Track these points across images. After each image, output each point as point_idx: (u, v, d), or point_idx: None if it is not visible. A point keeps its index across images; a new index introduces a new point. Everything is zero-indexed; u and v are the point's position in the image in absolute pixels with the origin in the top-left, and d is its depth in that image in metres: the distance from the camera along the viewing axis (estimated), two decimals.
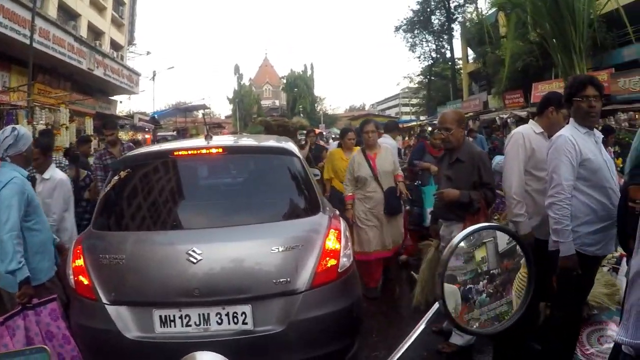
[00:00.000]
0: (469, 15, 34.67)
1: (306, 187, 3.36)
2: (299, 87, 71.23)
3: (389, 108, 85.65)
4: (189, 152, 3.47)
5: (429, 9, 38.40)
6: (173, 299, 2.81)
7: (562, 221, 2.97)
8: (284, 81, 75.68)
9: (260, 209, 3.30)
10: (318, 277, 2.89)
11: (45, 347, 1.89)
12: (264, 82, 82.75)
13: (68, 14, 21.62)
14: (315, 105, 74.30)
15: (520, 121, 20.94)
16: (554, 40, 4.48)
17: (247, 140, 4.57)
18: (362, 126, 5.80)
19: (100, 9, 25.61)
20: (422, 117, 44.87)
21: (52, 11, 18.42)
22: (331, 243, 3.01)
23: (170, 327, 2.79)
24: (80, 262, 2.98)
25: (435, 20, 39.38)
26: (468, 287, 1.25)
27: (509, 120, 21.42)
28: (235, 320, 2.79)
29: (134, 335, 2.78)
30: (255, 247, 2.95)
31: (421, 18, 38.72)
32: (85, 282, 2.91)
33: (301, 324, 2.82)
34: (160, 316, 2.79)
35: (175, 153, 3.50)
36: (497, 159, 10.16)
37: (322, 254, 2.94)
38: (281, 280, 2.84)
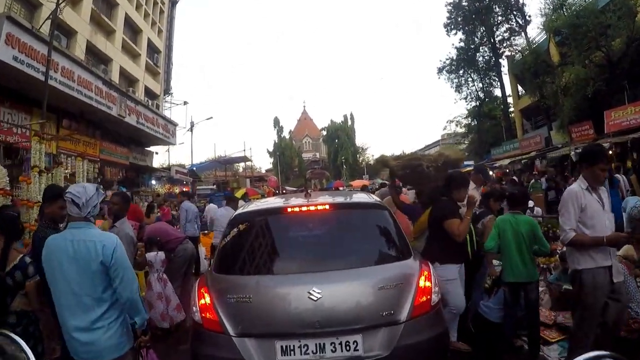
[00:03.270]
0: (518, 48, 32.66)
1: (398, 236, 3.91)
2: (339, 139, 70.46)
3: None
4: (300, 208, 3.96)
5: (473, 46, 36.75)
6: (294, 330, 3.27)
7: None
8: (324, 133, 75.13)
9: (364, 254, 3.80)
10: (416, 310, 3.38)
11: None
12: (304, 135, 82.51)
13: (98, 58, 20.83)
14: (358, 156, 72.88)
15: None
16: None
17: (345, 197, 4.96)
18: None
19: (134, 56, 25.02)
20: (466, 162, 42.39)
21: (79, 53, 17.49)
22: (424, 282, 3.52)
23: (290, 355, 3.21)
24: (206, 300, 3.49)
25: (480, 57, 37.70)
26: None
27: None
28: (348, 347, 3.22)
29: None
30: (364, 285, 3.46)
31: (465, 57, 37.08)
32: (212, 317, 3.41)
33: (404, 349, 3.25)
34: (282, 346, 3.23)
35: (289, 209, 4.03)
36: (632, 201, 7.48)
37: (417, 291, 3.46)
38: (386, 312, 3.33)
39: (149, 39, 26.95)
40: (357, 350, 3.19)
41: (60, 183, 8.66)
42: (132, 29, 25.28)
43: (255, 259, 3.79)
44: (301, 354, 3.18)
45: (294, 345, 3.20)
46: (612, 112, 19.80)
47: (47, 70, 12.25)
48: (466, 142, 49.20)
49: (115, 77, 21.15)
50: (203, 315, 3.43)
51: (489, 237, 4.86)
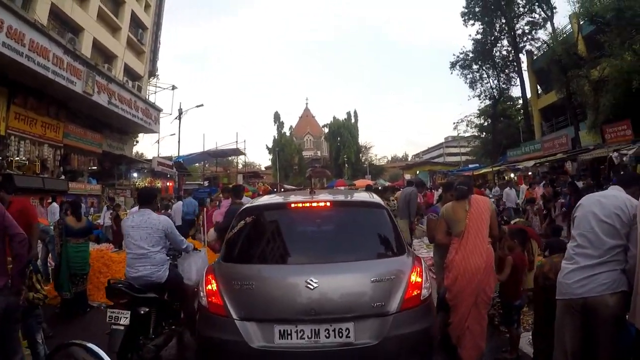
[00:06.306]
0: (540, 42, 29.99)
1: (394, 233, 4.09)
2: (342, 136, 67.84)
3: (433, 158, 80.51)
4: (303, 204, 4.18)
5: (491, 38, 34.01)
6: (292, 316, 3.45)
7: None
8: (326, 130, 72.52)
9: (360, 249, 3.96)
10: (405, 303, 3.54)
11: None
12: (305, 133, 79.90)
13: (66, 25, 17.91)
14: (360, 155, 70.18)
15: None
16: None
17: (345, 195, 5.20)
18: None
19: (114, 29, 22.09)
20: (474, 165, 39.99)
21: (41, 17, 14.65)
22: (415, 277, 3.67)
23: (287, 339, 3.41)
24: (212, 286, 3.69)
25: (497, 52, 35.08)
26: None
27: (624, 158, 16.15)
28: (340, 334, 3.41)
29: (257, 345, 3.41)
30: (358, 278, 3.65)
31: (482, 50, 34.35)
32: (218, 302, 3.61)
33: (392, 339, 3.42)
34: (280, 330, 3.43)
35: (293, 205, 4.28)
36: None
37: (408, 285, 3.61)
38: (377, 303, 3.49)
39: (133, 11, 23.98)
40: (349, 337, 3.38)
41: None
42: None
43: (259, 250, 3.99)
44: (297, 338, 3.38)
45: (291, 330, 3.40)
46: None
47: None
48: (474, 144, 46.51)
49: (86, 49, 18.25)
50: (209, 300, 3.64)
51: None
